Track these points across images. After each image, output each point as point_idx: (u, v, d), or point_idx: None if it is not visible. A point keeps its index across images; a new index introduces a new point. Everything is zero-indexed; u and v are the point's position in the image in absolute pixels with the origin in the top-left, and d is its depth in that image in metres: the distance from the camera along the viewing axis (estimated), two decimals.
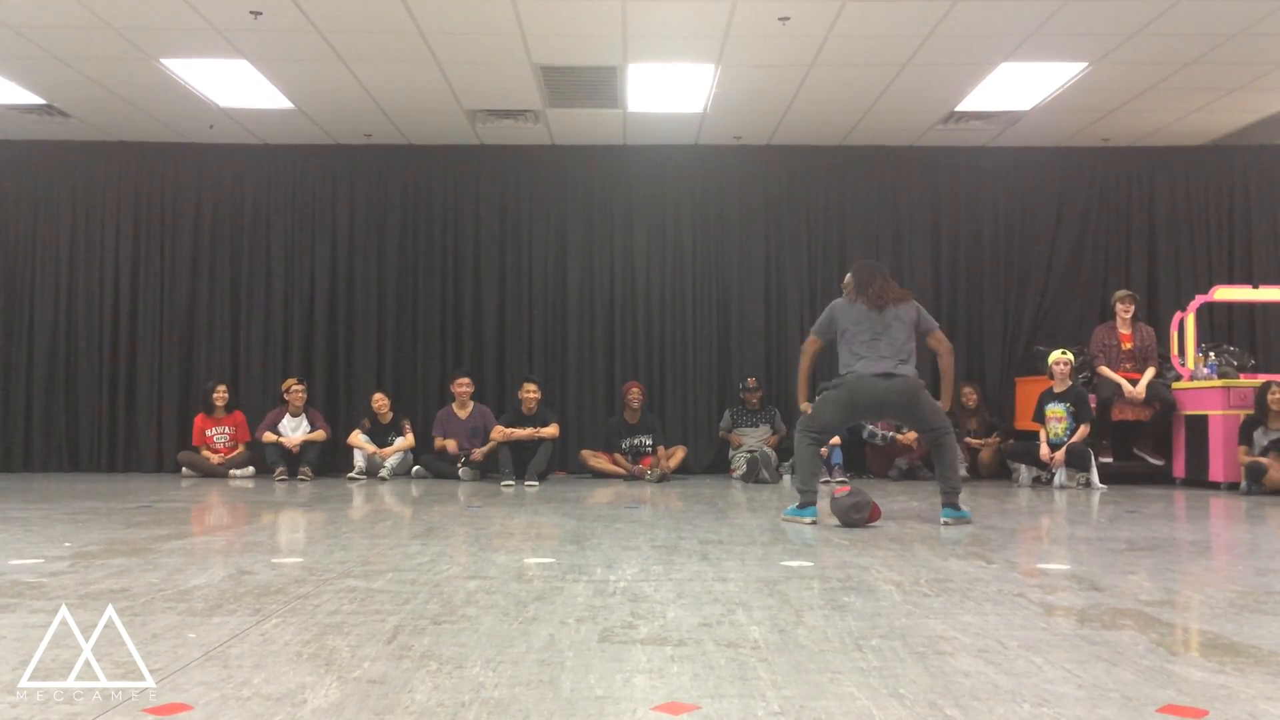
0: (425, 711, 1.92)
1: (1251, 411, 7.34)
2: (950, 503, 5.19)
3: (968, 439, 8.59)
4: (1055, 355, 7.88)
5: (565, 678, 2.16)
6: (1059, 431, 7.71)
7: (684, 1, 6.25)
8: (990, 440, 8.62)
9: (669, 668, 2.24)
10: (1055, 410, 7.75)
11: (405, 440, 8.60)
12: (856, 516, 4.92)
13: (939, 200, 9.47)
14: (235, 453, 8.68)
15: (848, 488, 5.10)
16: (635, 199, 9.45)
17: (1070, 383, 7.79)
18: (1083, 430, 7.60)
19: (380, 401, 8.70)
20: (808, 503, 5.16)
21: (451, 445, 8.33)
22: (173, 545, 4.20)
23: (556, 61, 7.27)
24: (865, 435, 8.64)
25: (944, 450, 5.24)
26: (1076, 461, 7.61)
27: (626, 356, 9.38)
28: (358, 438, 8.57)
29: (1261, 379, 7.56)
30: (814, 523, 5.06)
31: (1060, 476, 7.60)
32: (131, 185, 9.36)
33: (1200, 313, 8.50)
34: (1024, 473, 8.08)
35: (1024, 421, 8.52)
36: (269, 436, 8.47)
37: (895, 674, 2.19)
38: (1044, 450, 7.69)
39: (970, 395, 8.78)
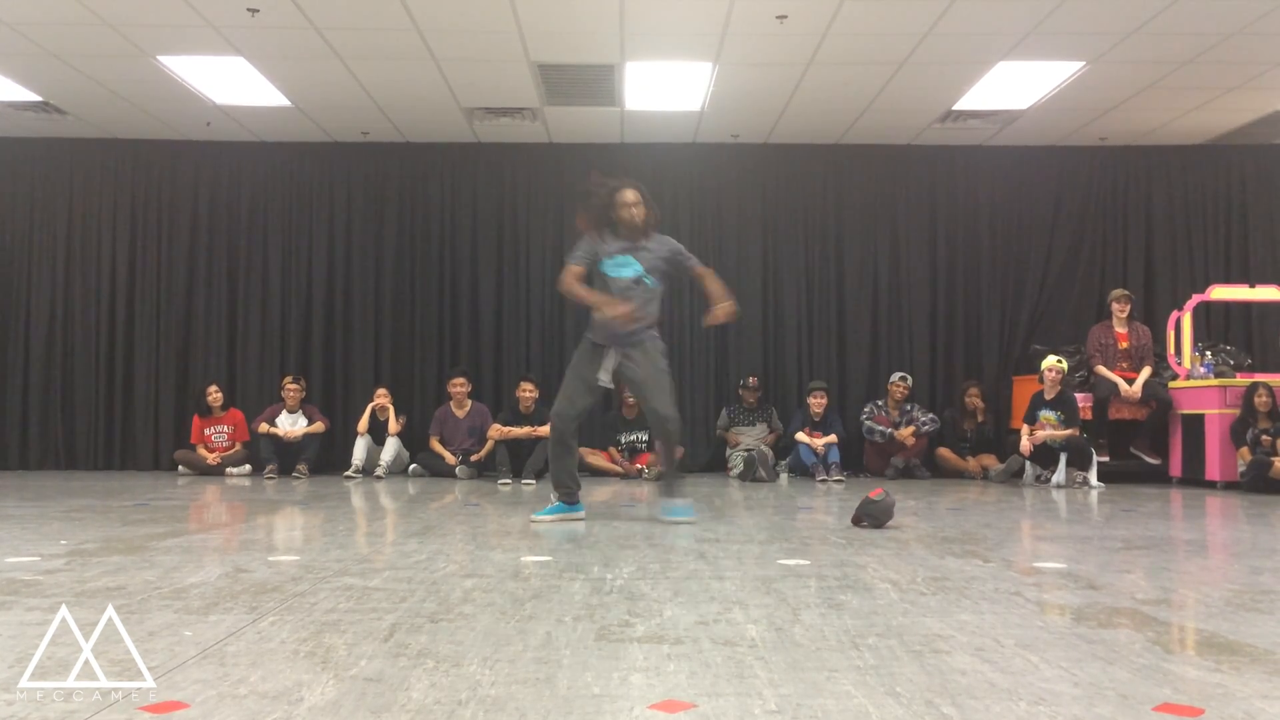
0: (422, 709, 1.92)
1: (1238, 413, 7.37)
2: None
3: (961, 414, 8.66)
4: (1049, 362, 7.86)
5: (562, 676, 2.16)
6: (1053, 439, 7.73)
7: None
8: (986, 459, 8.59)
9: (666, 666, 2.24)
10: (1047, 417, 7.77)
11: (395, 425, 8.59)
12: (891, 517, 4.85)
13: (936, 199, 9.46)
14: (232, 451, 8.67)
15: (881, 490, 4.92)
16: None
17: (1060, 389, 7.79)
18: (1068, 432, 7.64)
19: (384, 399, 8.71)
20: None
21: (450, 459, 8.32)
22: (169, 543, 4.19)
23: (554, 59, 7.26)
24: (865, 432, 8.62)
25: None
26: (1077, 460, 7.62)
27: None
28: (365, 424, 8.55)
29: (1258, 378, 7.58)
30: None
31: (1059, 475, 7.60)
32: (128, 182, 9.34)
33: (1197, 312, 8.51)
34: (1027, 469, 8.07)
35: (1017, 421, 8.51)
36: (264, 428, 8.45)
37: (892, 672, 2.19)
38: (1024, 444, 7.75)
39: (975, 395, 8.74)
